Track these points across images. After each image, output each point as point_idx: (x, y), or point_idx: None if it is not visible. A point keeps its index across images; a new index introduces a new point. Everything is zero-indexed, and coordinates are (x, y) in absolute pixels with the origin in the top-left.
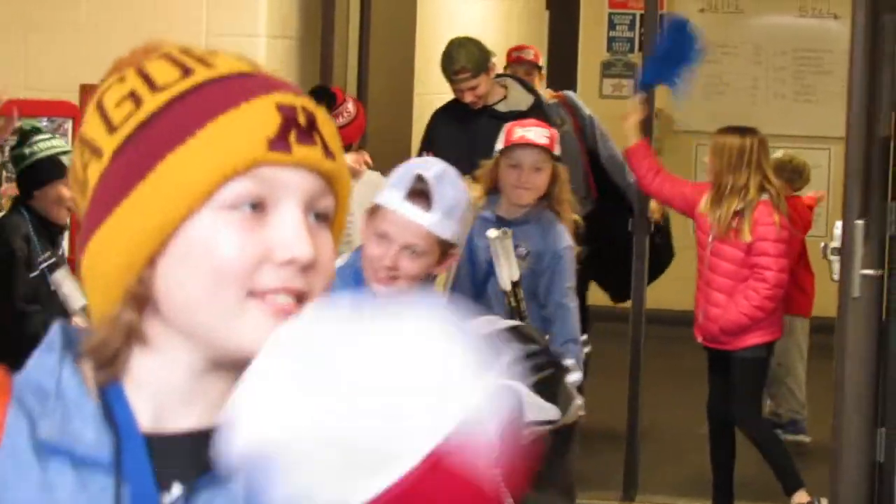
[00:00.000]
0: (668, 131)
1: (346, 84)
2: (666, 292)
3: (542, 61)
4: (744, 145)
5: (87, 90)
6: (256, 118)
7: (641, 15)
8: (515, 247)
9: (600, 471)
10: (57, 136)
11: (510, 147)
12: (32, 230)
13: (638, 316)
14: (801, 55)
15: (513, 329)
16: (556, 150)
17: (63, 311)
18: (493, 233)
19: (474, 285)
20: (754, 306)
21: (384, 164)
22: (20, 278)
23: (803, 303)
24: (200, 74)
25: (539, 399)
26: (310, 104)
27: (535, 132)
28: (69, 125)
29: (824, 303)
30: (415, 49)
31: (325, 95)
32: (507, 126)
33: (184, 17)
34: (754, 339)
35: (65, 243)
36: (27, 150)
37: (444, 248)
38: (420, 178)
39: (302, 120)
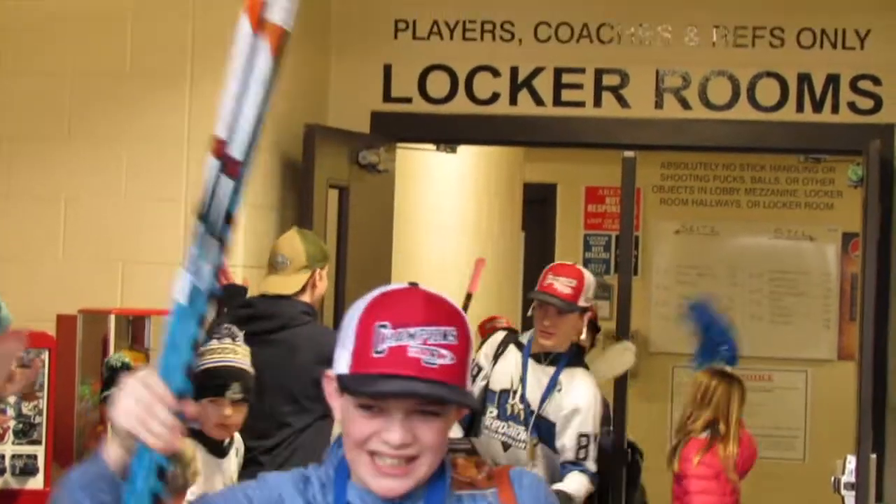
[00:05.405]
0: (644, 353)
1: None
2: None
3: (517, 325)
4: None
5: (63, 321)
6: None
7: (616, 236)
8: None
9: None
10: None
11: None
12: None
13: None
14: (776, 277)
15: None
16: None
17: None
18: None
19: None
20: None
21: None
22: None
23: None
24: None
25: None
26: None
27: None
28: (46, 356)
29: None
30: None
31: None
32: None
33: (160, 248)
34: None
35: None
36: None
37: None
38: None
39: None
